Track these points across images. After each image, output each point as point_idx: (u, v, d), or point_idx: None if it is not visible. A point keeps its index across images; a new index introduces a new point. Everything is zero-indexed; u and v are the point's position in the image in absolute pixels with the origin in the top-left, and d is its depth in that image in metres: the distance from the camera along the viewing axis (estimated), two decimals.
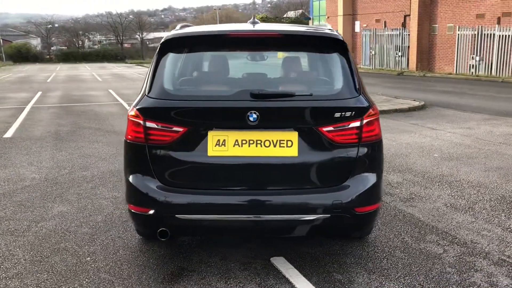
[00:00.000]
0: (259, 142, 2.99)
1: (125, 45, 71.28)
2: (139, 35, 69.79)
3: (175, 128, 3.01)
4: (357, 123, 3.01)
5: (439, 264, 3.41)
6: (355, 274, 3.27)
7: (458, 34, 22.37)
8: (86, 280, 3.26)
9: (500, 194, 4.99)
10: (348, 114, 2.99)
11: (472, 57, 21.70)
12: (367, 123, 3.04)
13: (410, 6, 25.68)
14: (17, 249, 3.77)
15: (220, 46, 3.24)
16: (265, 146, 2.99)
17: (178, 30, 3.28)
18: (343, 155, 3.04)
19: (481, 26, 21.29)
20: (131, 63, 54.10)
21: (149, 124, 3.04)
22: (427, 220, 4.28)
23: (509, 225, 4.14)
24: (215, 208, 3.01)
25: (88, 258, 3.59)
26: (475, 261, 3.45)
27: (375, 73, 26.25)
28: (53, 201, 4.93)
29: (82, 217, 4.46)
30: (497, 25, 20.47)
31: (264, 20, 60.70)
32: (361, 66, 29.95)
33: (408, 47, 26.02)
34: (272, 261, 3.47)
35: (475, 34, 21.46)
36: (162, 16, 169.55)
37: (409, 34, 25.85)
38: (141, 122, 3.06)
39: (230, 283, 3.18)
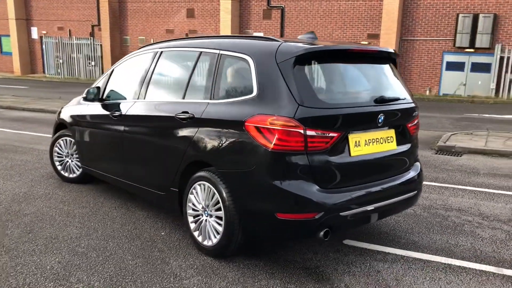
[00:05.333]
0: (377, 140, 3.64)
1: None
2: None
3: (330, 134, 3.30)
4: (417, 120, 4.06)
5: (439, 219, 4.78)
6: (416, 237, 4.28)
7: None
8: None
9: None
10: (416, 112, 4.00)
11: None
12: (418, 119, 4.12)
13: (100, 17, 26.01)
14: None
15: (343, 59, 3.62)
16: (380, 143, 3.67)
17: (306, 44, 3.44)
18: (414, 144, 4.02)
19: None
20: None
21: (310, 132, 3.21)
22: None
23: None
24: (366, 199, 3.47)
25: None
26: (448, 214, 4.99)
27: (67, 82, 25.24)
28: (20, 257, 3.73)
29: (103, 259, 3.68)
30: None
31: None
32: (46, 75, 28.16)
33: (101, 56, 26.32)
34: (352, 244, 4.07)
35: None
36: None
37: (101, 44, 26.16)
38: (301, 131, 3.19)
39: (359, 267, 3.67)
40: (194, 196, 3.84)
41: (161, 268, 3.55)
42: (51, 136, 9.14)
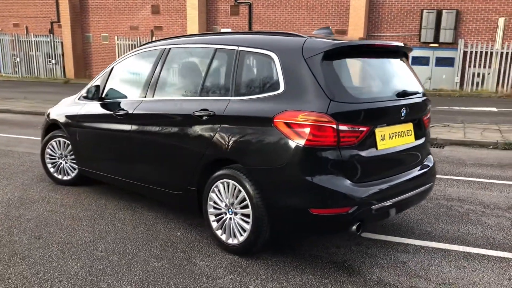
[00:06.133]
0: (398, 133, 3.70)
1: None
2: None
3: (361, 129, 3.33)
4: (429, 113, 4.15)
5: (443, 209, 4.91)
6: (427, 227, 4.38)
7: (118, 44, 23.74)
8: None
9: None
10: (429, 106, 4.09)
11: None
12: (430, 112, 4.23)
13: (59, 13, 25.17)
14: None
15: (366, 54, 3.66)
16: (401, 137, 3.74)
17: (332, 40, 3.45)
18: (427, 137, 4.12)
19: (139, 37, 23.42)
20: None
21: (342, 127, 3.23)
22: None
23: None
24: (391, 193, 3.52)
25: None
26: (450, 204, 5.13)
27: (26, 81, 24.26)
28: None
29: (127, 262, 3.58)
30: (154, 37, 23.03)
31: None
32: (2, 74, 26.98)
33: (62, 54, 25.49)
34: (370, 236, 4.13)
35: (134, 44, 23.41)
36: None
37: (61, 42, 25.33)
38: (334, 126, 3.20)
39: (384, 259, 3.73)
40: (216, 195, 3.79)
41: (190, 269, 3.49)
42: (28, 137, 8.83)
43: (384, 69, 3.86)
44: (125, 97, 4.77)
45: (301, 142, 3.22)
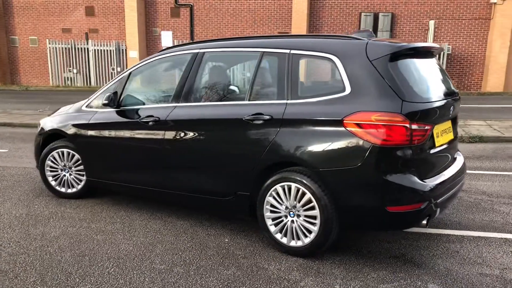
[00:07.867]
0: (445, 131, 3.93)
1: None
2: None
3: (426, 127, 3.51)
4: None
5: (455, 200, 5.22)
6: (454, 218, 4.65)
7: (49, 47, 22.42)
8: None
9: None
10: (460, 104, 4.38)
11: (69, 69, 22.43)
12: None
13: None
14: None
15: (419, 56, 3.81)
16: (447, 134, 3.97)
17: (393, 43, 3.57)
18: (457, 134, 4.39)
19: (73, 40, 22.29)
20: None
21: (414, 126, 3.38)
22: None
23: None
24: (450, 184, 3.74)
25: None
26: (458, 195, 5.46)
27: None
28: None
29: (195, 273, 3.47)
30: (90, 40, 22.03)
31: None
32: None
33: None
34: (409, 230, 4.33)
35: (68, 48, 22.25)
36: None
37: None
38: (408, 125, 3.35)
39: (438, 249, 3.93)
40: (274, 198, 3.78)
41: (265, 275, 3.45)
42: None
43: (431, 69, 4.05)
44: (150, 103, 4.61)
45: (376, 142, 3.32)
